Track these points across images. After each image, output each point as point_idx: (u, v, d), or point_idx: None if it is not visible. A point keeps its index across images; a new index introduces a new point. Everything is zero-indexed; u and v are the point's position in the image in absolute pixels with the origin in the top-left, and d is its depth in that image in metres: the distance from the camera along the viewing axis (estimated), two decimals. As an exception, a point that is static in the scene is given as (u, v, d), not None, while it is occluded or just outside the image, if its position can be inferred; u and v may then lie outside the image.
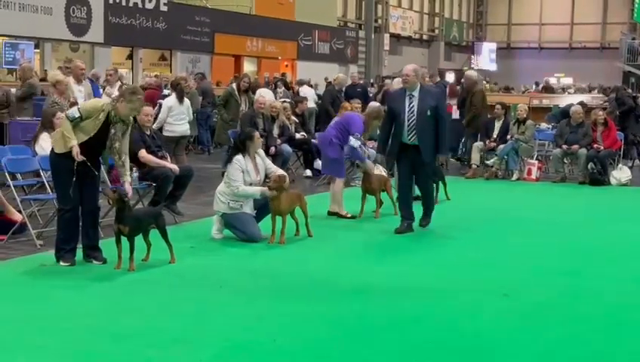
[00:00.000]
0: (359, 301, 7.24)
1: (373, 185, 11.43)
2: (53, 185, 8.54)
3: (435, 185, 12.38)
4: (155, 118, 12.24)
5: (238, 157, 9.62)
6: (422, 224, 10.43)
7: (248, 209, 9.68)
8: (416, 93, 10.06)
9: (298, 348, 5.97)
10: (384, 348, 5.98)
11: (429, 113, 9.94)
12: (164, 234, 8.29)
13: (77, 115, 7.85)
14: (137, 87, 8.58)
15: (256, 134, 9.91)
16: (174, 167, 10.58)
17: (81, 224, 8.21)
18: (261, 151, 10.04)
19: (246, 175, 9.55)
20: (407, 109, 10.04)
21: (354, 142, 11.24)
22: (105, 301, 7.07)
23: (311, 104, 16.87)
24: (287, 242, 9.44)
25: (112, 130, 7.96)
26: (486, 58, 52.72)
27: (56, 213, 8.40)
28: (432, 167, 10.62)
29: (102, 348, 5.81)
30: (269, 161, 10.16)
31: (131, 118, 8.40)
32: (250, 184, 9.61)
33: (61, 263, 7.94)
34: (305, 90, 22.72)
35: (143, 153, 10.34)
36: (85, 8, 24.48)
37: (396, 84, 10.71)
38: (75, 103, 11.61)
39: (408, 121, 10.01)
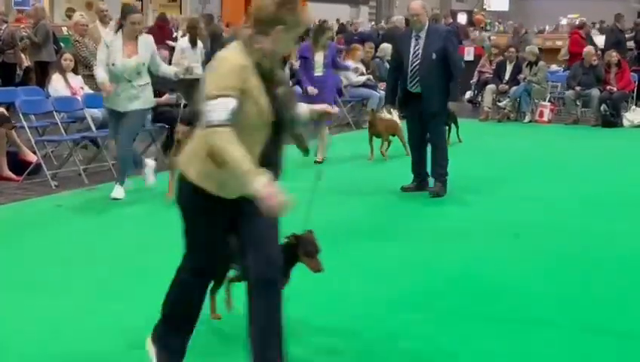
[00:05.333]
0: (370, 243, 7.25)
1: (379, 130, 11.29)
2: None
3: (447, 127, 12.38)
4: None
5: (109, 35, 8.82)
6: (431, 191, 9.10)
7: (118, 105, 8.46)
8: (423, 35, 8.90)
9: (316, 289, 6.03)
10: (396, 290, 6.02)
11: (434, 57, 8.77)
12: None
13: (231, 104, 3.62)
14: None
15: (134, 16, 8.48)
16: (166, 97, 10.92)
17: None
18: (149, 39, 8.77)
19: (112, 54, 8.33)
20: (411, 53, 8.91)
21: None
22: (122, 240, 7.13)
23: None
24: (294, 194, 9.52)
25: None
26: (501, 0, 52.14)
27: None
28: (442, 120, 9.42)
29: (124, 287, 5.86)
30: (165, 65, 9.20)
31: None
32: (113, 65, 8.34)
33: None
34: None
35: None
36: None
37: (398, 22, 9.94)
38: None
39: (412, 66, 8.90)
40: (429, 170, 9.32)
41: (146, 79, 8.58)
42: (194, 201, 4.01)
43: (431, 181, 9.26)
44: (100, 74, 8.30)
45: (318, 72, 11.09)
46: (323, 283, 6.12)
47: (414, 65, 8.89)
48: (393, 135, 11.44)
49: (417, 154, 9.28)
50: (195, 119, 10.61)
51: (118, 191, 8.43)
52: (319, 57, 11.13)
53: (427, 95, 8.90)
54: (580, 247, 7.21)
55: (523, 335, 5.19)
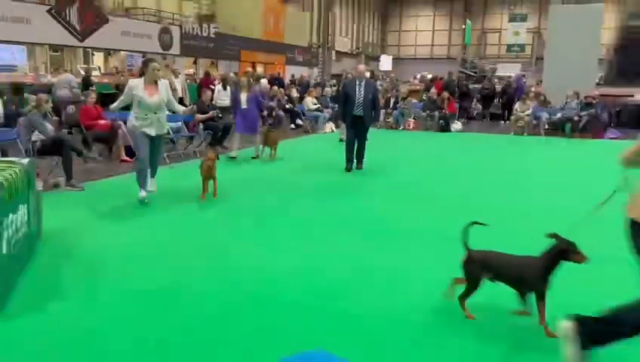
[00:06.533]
0: (337, 199, 7.06)
1: (269, 141, 10.03)
2: None
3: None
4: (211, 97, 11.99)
5: (135, 80, 6.41)
6: (358, 167, 9.04)
7: (150, 131, 6.31)
8: (362, 83, 8.73)
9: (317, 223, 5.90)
10: (355, 228, 5.69)
11: (370, 97, 8.70)
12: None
13: None
14: None
15: (154, 64, 6.34)
16: (211, 113, 10.50)
17: None
18: (166, 82, 6.51)
19: (137, 96, 6.22)
20: (357, 93, 8.69)
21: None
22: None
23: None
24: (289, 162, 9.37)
25: None
26: (387, 64, 52.05)
27: None
28: (367, 131, 9.05)
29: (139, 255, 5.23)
30: (176, 105, 6.67)
31: None
32: (140, 101, 6.26)
33: None
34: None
35: (197, 116, 10.30)
36: (169, 35, 23.87)
37: (354, 72, 9.45)
38: (175, 90, 11.03)
39: (357, 100, 8.67)
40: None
41: (165, 112, 6.54)
42: None
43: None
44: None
45: (244, 105, 9.77)
46: (307, 222, 5.99)
47: (359, 100, 8.68)
48: (275, 144, 10.09)
49: (351, 149, 9.06)
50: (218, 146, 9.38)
51: (144, 192, 6.43)
52: (244, 97, 9.81)
53: (367, 116, 8.78)
54: (442, 196, 7.17)
55: (423, 249, 5.02)
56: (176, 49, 24.99)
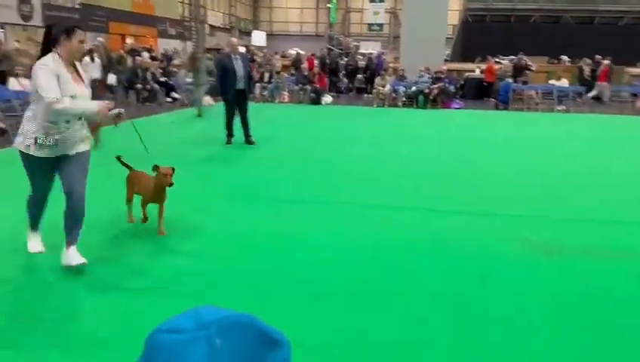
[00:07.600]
0: (225, 166, 6.96)
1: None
2: None
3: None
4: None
5: (46, 58, 3.25)
6: (249, 141, 8.69)
7: (68, 149, 3.39)
8: (238, 57, 8.46)
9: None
10: (241, 185, 5.83)
11: (248, 69, 8.57)
12: None
13: None
14: None
15: (81, 32, 3.50)
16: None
17: None
18: (82, 64, 3.76)
19: (63, 85, 3.21)
20: (236, 67, 8.34)
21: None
22: None
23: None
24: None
25: None
26: (260, 39, 51.34)
27: None
28: (248, 102, 8.75)
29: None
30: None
31: None
32: (72, 97, 3.24)
33: None
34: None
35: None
36: (29, 5, 21.30)
37: (229, 47, 9.04)
38: None
39: (238, 74, 8.32)
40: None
41: None
42: None
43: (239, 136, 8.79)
44: (77, 102, 3.26)
45: None
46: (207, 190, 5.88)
47: (239, 74, 8.35)
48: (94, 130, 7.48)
49: (231, 122, 8.75)
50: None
51: (37, 242, 3.83)
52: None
53: (247, 90, 8.58)
54: (319, 162, 7.24)
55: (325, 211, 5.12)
56: (37, 20, 22.47)
